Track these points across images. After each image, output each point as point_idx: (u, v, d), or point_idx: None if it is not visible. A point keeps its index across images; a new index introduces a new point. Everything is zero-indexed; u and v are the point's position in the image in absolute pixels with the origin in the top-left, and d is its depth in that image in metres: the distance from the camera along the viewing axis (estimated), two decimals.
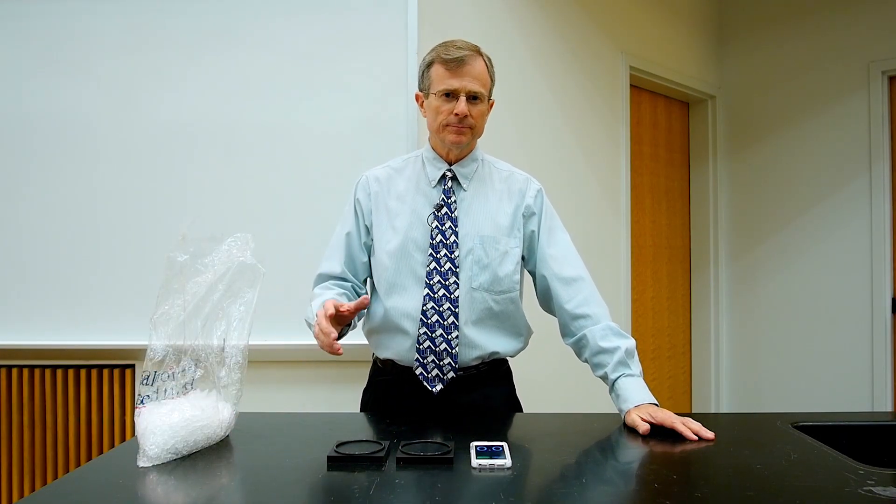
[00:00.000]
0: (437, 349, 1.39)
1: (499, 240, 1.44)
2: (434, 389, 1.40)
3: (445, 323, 1.39)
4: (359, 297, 1.50)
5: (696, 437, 1.16)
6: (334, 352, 1.19)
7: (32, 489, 2.16)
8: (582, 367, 1.47)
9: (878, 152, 3.09)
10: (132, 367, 2.17)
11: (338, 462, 1.01)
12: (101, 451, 2.16)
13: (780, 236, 3.40)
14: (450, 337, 1.39)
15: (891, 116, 3.12)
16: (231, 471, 1.03)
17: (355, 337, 1.49)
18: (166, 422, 1.04)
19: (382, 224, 1.47)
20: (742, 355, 3.54)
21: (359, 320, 1.46)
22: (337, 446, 1.05)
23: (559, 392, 2.43)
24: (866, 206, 3.11)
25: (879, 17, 3.11)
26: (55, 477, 2.14)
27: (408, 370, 1.42)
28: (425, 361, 1.40)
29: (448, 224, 1.42)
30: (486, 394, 1.46)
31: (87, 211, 2.14)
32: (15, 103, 2.15)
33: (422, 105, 1.49)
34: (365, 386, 1.56)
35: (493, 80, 1.47)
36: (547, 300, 1.50)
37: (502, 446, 1.07)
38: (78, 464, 2.16)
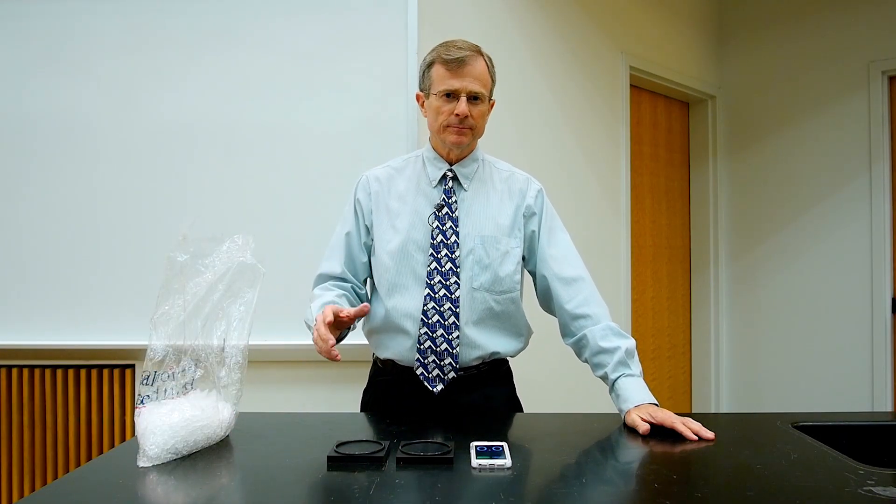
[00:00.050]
0: (438, 349, 1.39)
1: (499, 240, 1.44)
2: (434, 389, 1.40)
3: (446, 323, 1.39)
4: (358, 297, 1.51)
5: (696, 437, 1.16)
6: (332, 358, 1.19)
7: (32, 489, 2.16)
8: (582, 367, 1.47)
9: (878, 152, 3.09)
10: (132, 367, 2.18)
11: (338, 462, 1.01)
12: (101, 451, 2.16)
13: (780, 236, 3.40)
14: (450, 337, 1.39)
15: (891, 116, 3.12)
16: (231, 471, 1.03)
17: (355, 337, 1.49)
18: (166, 422, 1.04)
19: (383, 224, 1.47)
20: (742, 355, 3.54)
21: (358, 321, 1.46)
22: (337, 446, 1.05)
23: (559, 392, 2.43)
24: (866, 206, 3.11)
25: (879, 16, 3.11)
26: (55, 477, 2.14)
27: (408, 370, 1.42)
28: (426, 361, 1.40)
29: (449, 224, 1.42)
30: (486, 394, 1.47)
31: (87, 211, 2.14)
32: (15, 103, 2.15)
33: (422, 105, 1.49)
34: (365, 386, 1.56)
35: (493, 81, 1.47)
36: (547, 300, 1.50)
37: (502, 446, 1.07)
38: (78, 464, 2.16)
